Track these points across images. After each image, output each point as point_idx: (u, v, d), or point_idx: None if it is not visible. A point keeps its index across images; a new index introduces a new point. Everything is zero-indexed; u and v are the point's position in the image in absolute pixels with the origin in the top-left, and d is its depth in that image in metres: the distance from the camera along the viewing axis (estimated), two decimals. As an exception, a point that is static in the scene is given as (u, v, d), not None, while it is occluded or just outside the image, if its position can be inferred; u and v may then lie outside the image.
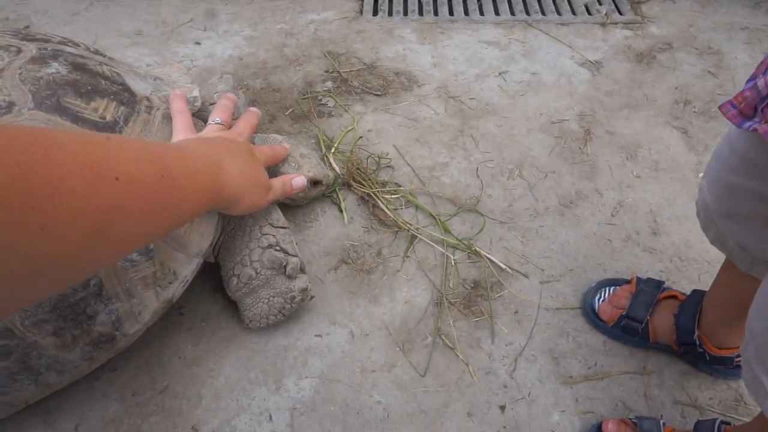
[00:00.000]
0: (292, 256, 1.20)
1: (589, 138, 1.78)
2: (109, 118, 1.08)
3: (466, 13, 2.35)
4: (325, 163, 1.60)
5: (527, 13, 2.34)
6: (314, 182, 1.42)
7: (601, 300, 1.34)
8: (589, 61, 2.08)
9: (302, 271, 1.24)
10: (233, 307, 1.34)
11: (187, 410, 1.19)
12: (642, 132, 1.81)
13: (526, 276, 1.44)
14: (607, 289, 1.36)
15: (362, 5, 2.36)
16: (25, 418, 1.16)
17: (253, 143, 1.38)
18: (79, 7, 2.32)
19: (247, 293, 1.21)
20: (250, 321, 1.25)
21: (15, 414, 1.13)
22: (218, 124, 1.23)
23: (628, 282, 1.37)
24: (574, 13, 2.33)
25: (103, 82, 1.13)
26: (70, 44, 1.20)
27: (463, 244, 1.48)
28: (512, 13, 2.33)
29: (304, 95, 1.91)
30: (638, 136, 1.80)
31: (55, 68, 1.07)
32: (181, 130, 1.16)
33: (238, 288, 1.20)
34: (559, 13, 2.33)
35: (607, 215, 1.58)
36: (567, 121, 1.84)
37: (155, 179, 0.65)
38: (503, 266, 1.44)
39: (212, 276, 1.36)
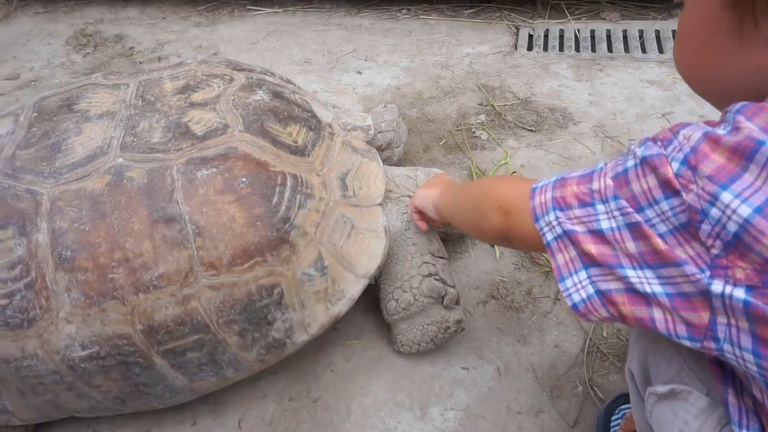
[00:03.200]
0: (451, 287, 1.23)
1: (769, 190, 1.63)
2: (300, 142, 1.18)
3: (627, 50, 2.27)
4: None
5: (697, 51, 2.20)
6: None
7: None
8: None
9: (458, 302, 1.26)
10: (383, 327, 1.40)
11: (337, 423, 1.25)
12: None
13: (689, 334, 1.34)
14: None
15: (517, 40, 2.38)
16: (198, 406, 1.29)
17: (415, 175, 1.45)
18: (257, 36, 2.58)
19: (403, 318, 1.25)
20: (402, 345, 1.29)
21: (191, 401, 1.25)
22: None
23: None
24: (752, 53, 2.15)
25: (296, 109, 1.24)
26: (268, 74, 1.34)
27: (621, 292, 1.41)
28: (679, 52, 2.21)
29: (458, 127, 1.96)
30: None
31: (260, 96, 1.20)
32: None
33: (395, 312, 1.25)
34: (734, 53, 2.16)
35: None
36: (742, 170, 1.70)
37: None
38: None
39: (365, 297, 1.42)
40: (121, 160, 1.06)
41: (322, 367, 1.35)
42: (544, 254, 1.51)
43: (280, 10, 2.76)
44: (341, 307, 1.16)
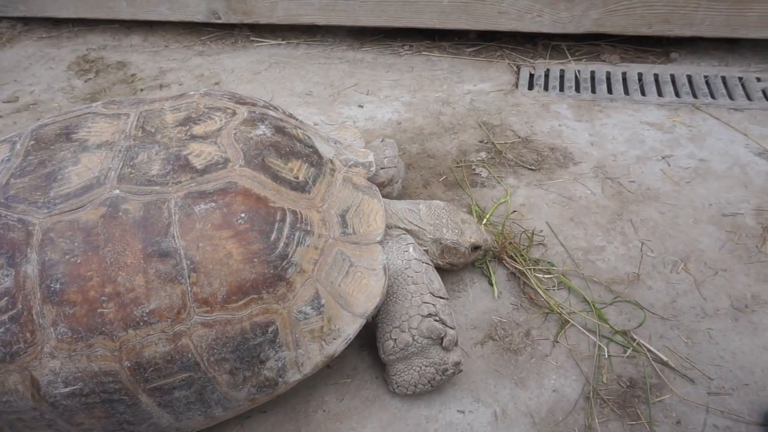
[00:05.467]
0: (450, 328, 1.20)
1: (769, 236, 1.62)
2: (301, 178, 1.17)
3: (626, 92, 2.29)
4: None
5: (694, 95, 2.23)
6: (475, 247, 1.45)
7: None
8: (768, 152, 1.91)
9: (456, 344, 1.23)
10: (378, 366, 1.36)
11: (327, 466, 1.21)
12: (834, 236, 1.62)
13: (692, 381, 1.31)
14: None
15: (518, 79, 2.40)
16: (184, 445, 1.24)
17: (417, 208, 1.44)
18: (260, 67, 2.60)
19: (400, 358, 1.22)
20: (398, 386, 1.25)
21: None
22: None
23: None
24: (749, 98, 2.18)
25: (298, 145, 1.23)
26: (271, 108, 1.34)
27: (621, 336, 1.39)
28: (677, 95, 2.23)
29: (458, 163, 1.96)
30: (830, 241, 1.60)
31: (262, 130, 1.19)
32: None
33: (393, 352, 1.22)
34: (731, 98, 2.19)
35: (792, 327, 1.40)
36: (741, 215, 1.70)
37: None
38: (669, 364, 1.33)
39: (360, 334, 1.39)
40: (117, 191, 1.05)
41: (314, 406, 1.31)
42: (543, 295, 1.49)
43: (283, 42, 2.79)
44: (336, 346, 1.13)
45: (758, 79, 2.25)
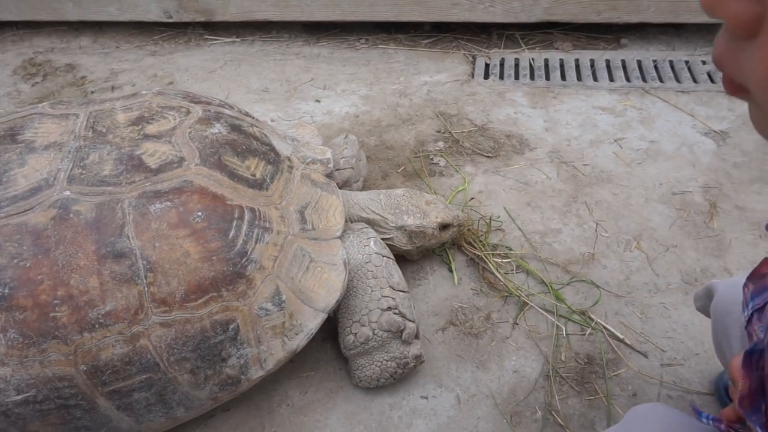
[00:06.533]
0: (410, 321, 1.22)
1: (716, 212, 1.69)
2: (258, 175, 1.17)
3: (579, 78, 2.35)
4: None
5: (644, 79, 2.30)
6: (444, 226, 1.45)
7: None
8: (714, 131, 1.99)
9: (417, 336, 1.25)
10: (341, 358, 1.37)
11: (296, 459, 1.21)
12: (775, 209, 1.70)
13: (645, 356, 1.36)
14: None
15: (474, 68, 2.43)
16: (149, 448, 1.23)
17: (378, 198, 1.47)
18: (215, 66, 2.57)
19: (361, 353, 1.24)
20: (360, 381, 1.26)
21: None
22: None
23: None
24: (695, 80, 2.26)
25: (255, 143, 1.23)
26: (227, 106, 1.33)
27: (578, 315, 1.44)
28: (627, 80, 2.30)
29: (416, 154, 1.98)
30: (771, 214, 1.69)
31: (218, 129, 1.19)
32: None
33: (353, 346, 1.23)
34: (678, 81, 2.27)
35: (737, 297, 1.47)
36: (690, 193, 1.76)
37: None
38: (624, 340, 1.38)
39: (322, 327, 1.39)
40: (67, 193, 1.03)
41: (277, 401, 1.31)
42: (502, 279, 1.52)
43: (238, 39, 2.75)
44: (299, 341, 1.14)
45: (703, 62, 2.33)
